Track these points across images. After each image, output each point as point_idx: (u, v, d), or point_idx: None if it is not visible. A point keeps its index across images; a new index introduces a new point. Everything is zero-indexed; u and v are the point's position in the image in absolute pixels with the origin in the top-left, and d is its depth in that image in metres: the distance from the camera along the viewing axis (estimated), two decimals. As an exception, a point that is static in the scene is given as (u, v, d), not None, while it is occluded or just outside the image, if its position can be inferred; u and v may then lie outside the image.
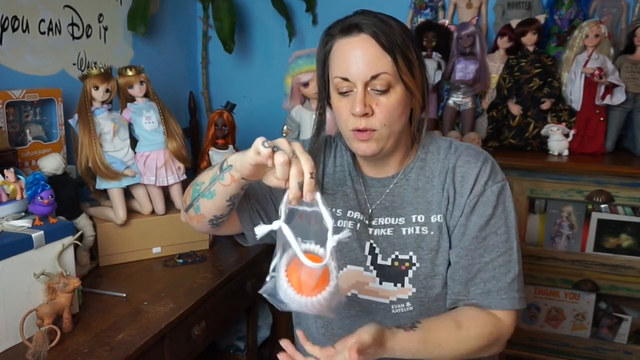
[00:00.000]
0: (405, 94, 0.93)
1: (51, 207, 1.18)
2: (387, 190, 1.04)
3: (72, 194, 1.42)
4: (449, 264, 0.98)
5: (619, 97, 1.86)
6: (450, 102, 2.03)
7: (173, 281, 1.42)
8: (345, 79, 0.92)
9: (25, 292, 1.10)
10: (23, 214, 1.20)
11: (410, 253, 0.99)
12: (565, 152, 1.89)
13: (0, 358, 1.06)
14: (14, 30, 1.55)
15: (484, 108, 2.06)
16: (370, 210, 1.04)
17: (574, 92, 1.93)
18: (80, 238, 1.30)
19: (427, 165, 1.02)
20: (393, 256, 1.00)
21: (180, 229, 1.60)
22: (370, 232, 1.03)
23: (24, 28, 1.58)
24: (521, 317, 1.93)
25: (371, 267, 1.01)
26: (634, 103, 1.88)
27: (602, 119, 1.90)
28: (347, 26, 0.92)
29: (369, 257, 1.02)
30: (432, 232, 0.98)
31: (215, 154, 1.65)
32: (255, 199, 1.06)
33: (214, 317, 1.43)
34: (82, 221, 1.44)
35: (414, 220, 1.00)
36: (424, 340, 0.86)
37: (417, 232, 0.99)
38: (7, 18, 1.52)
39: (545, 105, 1.94)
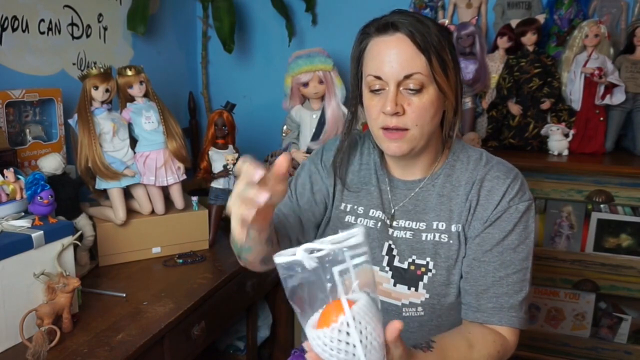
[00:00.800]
0: (438, 95, 0.93)
1: (51, 207, 1.18)
2: (412, 194, 1.03)
3: (72, 194, 1.42)
4: None
5: (618, 97, 1.86)
6: (450, 102, 2.03)
7: (173, 281, 1.42)
8: (378, 77, 0.92)
9: (25, 292, 1.10)
10: (23, 214, 1.20)
11: (428, 259, 0.99)
12: (565, 152, 1.89)
13: (0, 358, 1.06)
14: (14, 30, 1.55)
15: (484, 108, 2.06)
16: (392, 210, 1.04)
17: (574, 92, 1.93)
18: (80, 238, 1.30)
19: (454, 173, 1.01)
20: (410, 260, 1.00)
21: (180, 229, 1.60)
22: (390, 232, 1.03)
23: (24, 28, 1.58)
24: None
25: (387, 268, 1.01)
26: (634, 103, 1.88)
27: (601, 118, 1.90)
28: (383, 24, 0.92)
29: (386, 258, 1.02)
30: (451, 241, 0.98)
31: (215, 154, 1.65)
32: (289, 228, 1.07)
33: (214, 317, 1.43)
34: (82, 221, 1.44)
35: (434, 226, 1.00)
36: (443, 356, 0.84)
37: (437, 239, 0.99)
38: (7, 18, 1.52)
39: (545, 105, 1.94)
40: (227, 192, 1.66)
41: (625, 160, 1.83)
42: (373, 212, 1.05)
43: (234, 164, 1.63)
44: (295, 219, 1.08)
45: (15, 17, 1.54)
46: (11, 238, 1.08)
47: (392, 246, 1.02)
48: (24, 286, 1.10)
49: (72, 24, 1.75)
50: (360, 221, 1.05)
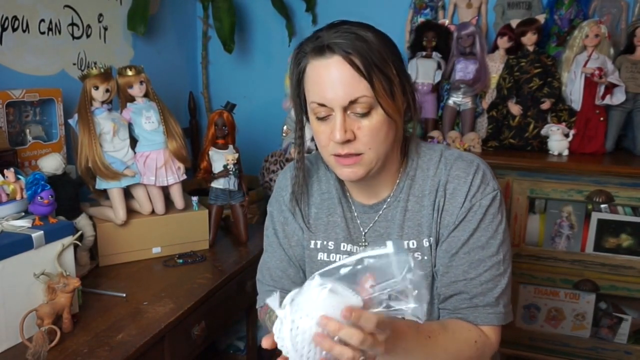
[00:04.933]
0: (386, 116, 0.87)
1: (51, 207, 1.18)
2: (378, 216, 0.97)
3: (72, 194, 1.42)
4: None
5: (618, 97, 1.86)
6: (450, 102, 2.03)
7: (173, 281, 1.42)
8: (322, 105, 0.85)
9: (25, 292, 1.10)
10: (23, 214, 1.20)
11: None
12: (565, 152, 1.89)
13: (0, 358, 1.06)
14: (14, 30, 1.55)
15: (484, 108, 2.06)
16: (364, 239, 0.98)
17: (574, 92, 1.93)
18: (80, 238, 1.30)
19: (416, 184, 0.95)
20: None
21: (180, 229, 1.60)
22: (365, 263, 0.98)
23: (24, 28, 1.58)
24: (521, 317, 1.93)
25: None
26: (634, 103, 1.88)
27: (602, 119, 1.90)
28: (318, 47, 0.85)
29: None
30: (425, 257, 0.93)
31: (215, 154, 1.65)
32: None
33: (214, 317, 1.43)
34: (82, 221, 1.44)
35: (405, 246, 0.93)
36: (416, 327, 0.80)
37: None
38: (7, 18, 1.52)
39: (545, 105, 1.94)
40: (227, 192, 1.66)
41: (625, 160, 1.83)
42: (344, 246, 0.98)
43: (234, 164, 1.63)
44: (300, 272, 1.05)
45: (15, 17, 1.54)
46: (11, 238, 1.08)
47: None
48: (24, 286, 1.10)
49: (73, 24, 1.75)
50: (333, 257, 0.99)
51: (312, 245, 1.01)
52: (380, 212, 0.97)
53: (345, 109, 0.84)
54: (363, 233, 0.98)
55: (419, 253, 0.94)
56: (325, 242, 1.00)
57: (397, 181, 0.96)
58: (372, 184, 0.96)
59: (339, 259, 0.95)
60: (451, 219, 0.92)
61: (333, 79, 0.83)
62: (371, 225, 0.98)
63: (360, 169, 0.87)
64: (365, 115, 0.84)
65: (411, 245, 0.94)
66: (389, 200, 0.96)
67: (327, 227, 1.00)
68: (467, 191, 0.91)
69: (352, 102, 0.83)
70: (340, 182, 1.01)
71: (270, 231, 1.06)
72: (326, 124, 0.87)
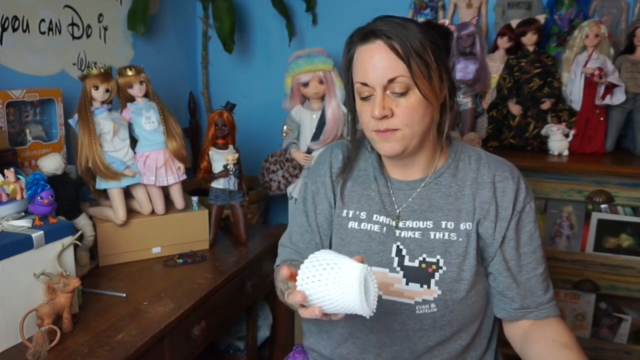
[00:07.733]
0: (423, 97, 0.96)
1: (51, 207, 1.18)
2: (415, 193, 1.06)
3: (72, 194, 1.42)
4: (475, 270, 1.01)
5: (619, 97, 1.86)
6: (450, 102, 2.03)
7: (173, 281, 1.42)
8: (365, 84, 0.96)
9: (25, 292, 1.10)
10: (23, 214, 1.20)
11: (438, 256, 1.01)
12: (565, 152, 1.89)
13: (0, 358, 1.06)
14: (14, 30, 1.55)
15: (484, 108, 2.06)
16: (397, 212, 1.06)
17: (574, 92, 1.93)
18: (80, 238, 1.29)
19: (459, 173, 1.05)
20: (420, 258, 1.02)
21: (180, 229, 1.60)
22: (397, 234, 1.05)
23: (24, 28, 1.58)
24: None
25: (398, 269, 1.03)
26: (634, 103, 1.88)
27: (602, 119, 1.90)
28: (364, 33, 0.96)
29: (396, 259, 1.03)
30: (460, 239, 1.01)
31: (215, 154, 1.65)
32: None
33: (214, 317, 1.43)
34: (82, 221, 1.44)
35: (443, 225, 1.03)
36: None
37: (446, 237, 1.02)
38: (7, 18, 1.52)
39: (545, 105, 1.94)
40: (227, 192, 1.66)
41: (625, 160, 1.83)
42: (377, 217, 1.07)
43: (234, 164, 1.63)
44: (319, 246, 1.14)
45: (15, 17, 1.54)
46: (11, 238, 1.08)
47: (401, 247, 1.04)
48: (24, 286, 1.10)
49: (73, 24, 1.75)
50: (364, 226, 1.07)
51: (344, 214, 1.09)
52: (416, 192, 1.06)
53: (384, 89, 0.94)
54: (397, 210, 1.06)
55: (455, 234, 1.02)
56: (357, 212, 1.08)
57: (436, 165, 1.06)
58: (409, 163, 1.05)
59: (370, 228, 1.06)
60: (507, 213, 1.01)
61: (375, 61, 0.94)
62: (405, 204, 1.06)
63: (397, 144, 0.97)
64: (402, 94, 0.94)
65: (448, 226, 1.03)
66: (427, 180, 1.06)
67: (360, 199, 1.09)
68: (517, 190, 1.02)
69: (391, 81, 0.93)
70: (379, 161, 1.11)
71: (300, 199, 1.17)
72: (368, 103, 0.97)
